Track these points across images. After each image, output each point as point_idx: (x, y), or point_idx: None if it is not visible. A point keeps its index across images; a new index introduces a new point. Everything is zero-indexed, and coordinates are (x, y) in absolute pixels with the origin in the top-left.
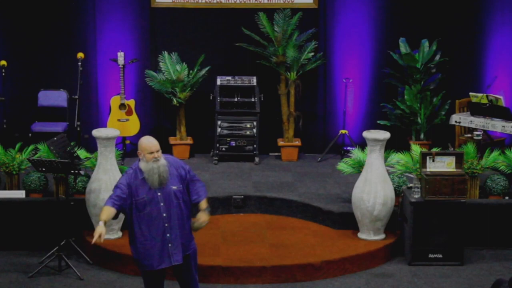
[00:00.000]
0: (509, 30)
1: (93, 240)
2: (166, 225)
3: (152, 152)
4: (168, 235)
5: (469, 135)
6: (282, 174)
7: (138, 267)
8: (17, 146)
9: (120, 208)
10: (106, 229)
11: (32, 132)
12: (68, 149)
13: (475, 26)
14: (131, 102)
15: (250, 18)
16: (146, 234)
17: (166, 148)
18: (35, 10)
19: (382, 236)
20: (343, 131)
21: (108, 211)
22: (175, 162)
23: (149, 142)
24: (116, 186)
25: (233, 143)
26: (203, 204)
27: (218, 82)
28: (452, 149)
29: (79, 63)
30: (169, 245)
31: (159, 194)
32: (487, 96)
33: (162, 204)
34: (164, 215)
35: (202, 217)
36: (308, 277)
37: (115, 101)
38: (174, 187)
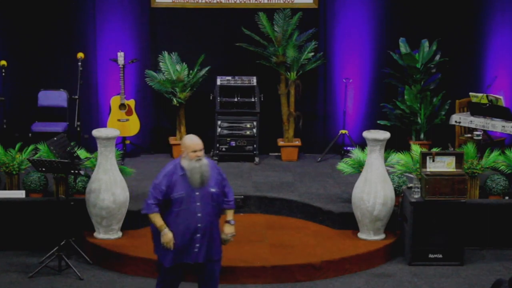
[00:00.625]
0: (509, 30)
1: (170, 247)
2: (199, 225)
3: (195, 151)
4: (198, 235)
5: (469, 135)
6: (282, 174)
7: (157, 263)
8: (17, 146)
9: (163, 199)
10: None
11: (32, 132)
12: (68, 149)
13: (475, 26)
14: (131, 102)
15: (250, 18)
16: (175, 231)
17: (166, 148)
18: (35, 10)
19: (382, 236)
20: (343, 131)
21: (159, 217)
22: (214, 166)
23: (193, 141)
24: (155, 187)
25: (233, 143)
26: (230, 214)
27: (218, 82)
28: (452, 149)
29: (79, 63)
30: (197, 244)
31: (197, 193)
32: (487, 96)
33: (198, 203)
34: (199, 215)
35: (227, 229)
36: (308, 277)
37: (115, 101)
38: (213, 189)
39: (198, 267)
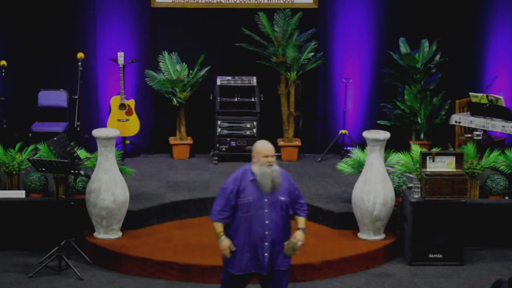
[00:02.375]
0: (509, 30)
1: (227, 255)
2: (266, 232)
3: (267, 156)
4: (266, 243)
5: (469, 135)
6: None
7: (222, 272)
8: (17, 146)
9: (230, 218)
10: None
11: (32, 132)
12: (68, 149)
13: (475, 26)
14: (131, 102)
15: (250, 18)
16: (241, 237)
17: (166, 148)
18: (35, 10)
19: (382, 236)
20: (343, 131)
21: (219, 225)
22: (286, 175)
23: (265, 146)
24: (222, 191)
25: (233, 143)
26: (302, 221)
27: (218, 82)
28: (452, 149)
29: (79, 63)
30: (265, 254)
31: (265, 200)
32: (487, 96)
33: (266, 210)
34: (267, 222)
35: (299, 234)
36: (308, 277)
37: (115, 101)
38: (282, 198)
39: (265, 277)
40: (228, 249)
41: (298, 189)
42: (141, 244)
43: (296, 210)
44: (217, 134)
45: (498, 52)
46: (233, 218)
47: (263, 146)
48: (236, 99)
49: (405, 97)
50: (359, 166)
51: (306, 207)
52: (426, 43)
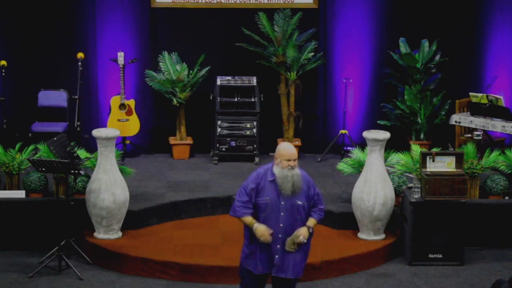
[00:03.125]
0: (509, 30)
1: (266, 239)
2: (279, 235)
3: (289, 160)
4: (278, 246)
5: (469, 135)
6: None
7: (240, 274)
8: (17, 146)
9: (249, 214)
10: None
11: (32, 132)
12: (68, 149)
13: (475, 26)
14: (131, 102)
15: (250, 18)
16: (254, 237)
17: (166, 148)
18: (35, 10)
19: (382, 236)
20: (343, 131)
21: (248, 218)
22: (306, 179)
23: (287, 150)
24: (242, 189)
25: (233, 143)
26: (311, 221)
27: (218, 82)
28: (452, 149)
29: (79, 63)
30: (276, 256)
31: (282, 203)
32: (487, 96)
33: (282, 213)
34: (281, 225)
35: (302, 230)
36: (308, 277)
37: (115, 101)
38: (299, 202)
39: (276, 281)
40: (267, 233)
41: (320, 194)
42: (141, 244)
43: (311, 212)
44: (217, 134)
45: (498, 52)
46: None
47: (286, 149)
48: (236, 99)
49: (405, 97)
50: (359, 166)
51: (323, 213)
52: (426, 43)
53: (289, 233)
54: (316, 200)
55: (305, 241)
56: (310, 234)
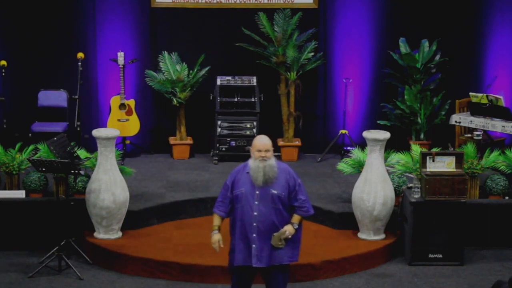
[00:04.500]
0: (509, 30)
1: (216, 249)
2: (254, 224)
3: (260, 151)
4: (254, 235)
5: (469, 135)
6: None
7: (227, 266)
8: (17, 146)
9: (227, 211)
10: (218, 235)
11: (32, 132)
12: (68, 149)
13: (475, 26)
14: (131, 102)
15: (250, 18)
16: (236, 229)
17: (166, 148)
18: (35, 10)
19: (382, 236)
20: (343, 131)
21: (217, 219)
22: (287, 170)
23: (259, 141)
24: (223, 186)
25: (233, 143)
26: (296, 218)
27: (218, 82)
28: (452, 149)
29: (79, 63)
30: (253, 245)
31: (257, 192)
32: (487, 96)
33: (256, 202)
34: (255, 213)
35: (286, 227)
36: (308, 277)
37: (115, 101)
38: (274, 191)
39: (264, 272)
40: (217, 243)
41: (301, 185)
42: (141, 244)
43: (295, 208)
44: (217, 134)
45: (498, 52)
46: (234, 210)
47: (257, 141)
48: (236, 99)
49: (405, 97)
50: (359, 166)
51: (307, 205)
52: (426, 43)
53: (264, 222)
54: (298, 190)
55: (290, 236)
56: (299, 227)
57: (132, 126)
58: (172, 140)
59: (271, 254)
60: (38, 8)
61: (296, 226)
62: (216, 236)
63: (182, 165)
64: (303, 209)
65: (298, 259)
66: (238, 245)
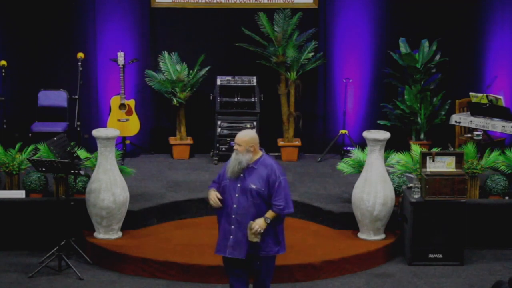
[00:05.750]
0: (509, 31)
1: (216, 203)
2: (233, 216)
3: (235, 144)
4: (232, 227)
5: (469, 135)
6: None
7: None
8: (17, 146)
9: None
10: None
11: (32, 132)
12: (68, 149)
13: (475, 26)
14: (131, 102)
15: (250, 18)
16: (221, 219)
17: (166, 148)
18: (35, 10)
19: (382, 236)
20: (343, 131)
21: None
22: (269, 166)
23: (238, 133)
24: (218, 173)
25: (233, 143)
26: (269, 213)
27: (218, 82)
28: (452, 149)
29: (79, 63)
30: (231, 236)
31: (238, 185)
32: (487, 96)
33: (237, 195)
34: (234, 206)
35: (258, 220)
36: (308, 277)
37: (115, 101)
38: (253, 186)
39: (250, 264)
40: (215, 197)
41: (281, 183)
42: (141, 244)
43: (271, 205)
44: (217, 134)
45: (498, 52)
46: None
47: (237, 134)
48: (236, 99)
49: (405, 97)
50: (359, 166)
51: (283, 204)
52: (426, 43)
53: (242, 215)
54: (277, 188)
55: (261, 230)
56: (277, 222)
57: (132, 126)
58: (172, 140)
59: (248, 246)
60: (38, 8)
61: (269, 221)
62: (212, 191)
63: (182, 165)
64: (279, 207)
65: (277, 252)
66: (220, 235)
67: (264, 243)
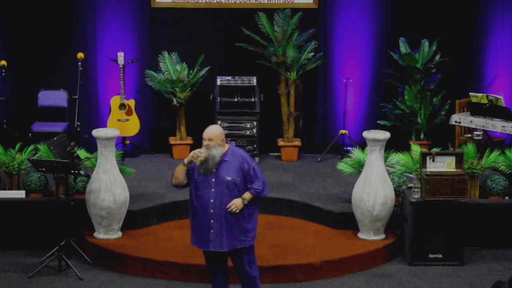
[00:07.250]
0: (509, 31)
1: (198, 156)
2: (211, 210)
3: (204, 139)
4: (212, 221)
5: (469, 135)
6: (282, 174)
7: None
8: (17, 146)
9: (188, 176)
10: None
11: (32, 132)
12: (68, 149)
13: (475, 26)
14: (131, 102)
15: (250, 18)
16: (195, 215)
17: (166, 148)
18: (35, 10)
19: (382, 236)
20: (343, 131)
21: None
22: (240, 156)
23: (206, 130)
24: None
25: (233, 143)
26: (247, 195)
27: (218, 82)
28: (452, 149)
29: (79, 63)
30: (211, 231)
31: (213, 180)
32: (487, 96)
33: (213, 190)
34: (212, 200)
35: (235, 200)
36: (308, 277)
37: (115, 101)
38: (228, 178)
39: (230, 255)
40: (195, 152)
41: (256, 169)
42: (141, 244)
43: (249, 188)
44: None
45: (498, 52)
46: (191, 196)
47: (205, 130)
48: (236, 99)
49: (405, 97)
50: (359, 166)
51: (257, 186)
52: (426, 43)
53: (221, 208)
54: (252, 175)
55: (237, 210)
56: (254, 206)
57: (132, 126)
58: (172, 140)
59: (228, 239)
60: (38, 8)
61: (246, 202)
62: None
63: None
64: (257, 190)
65: (253, 242)
66: (196, 229)
67: (246, 232)
